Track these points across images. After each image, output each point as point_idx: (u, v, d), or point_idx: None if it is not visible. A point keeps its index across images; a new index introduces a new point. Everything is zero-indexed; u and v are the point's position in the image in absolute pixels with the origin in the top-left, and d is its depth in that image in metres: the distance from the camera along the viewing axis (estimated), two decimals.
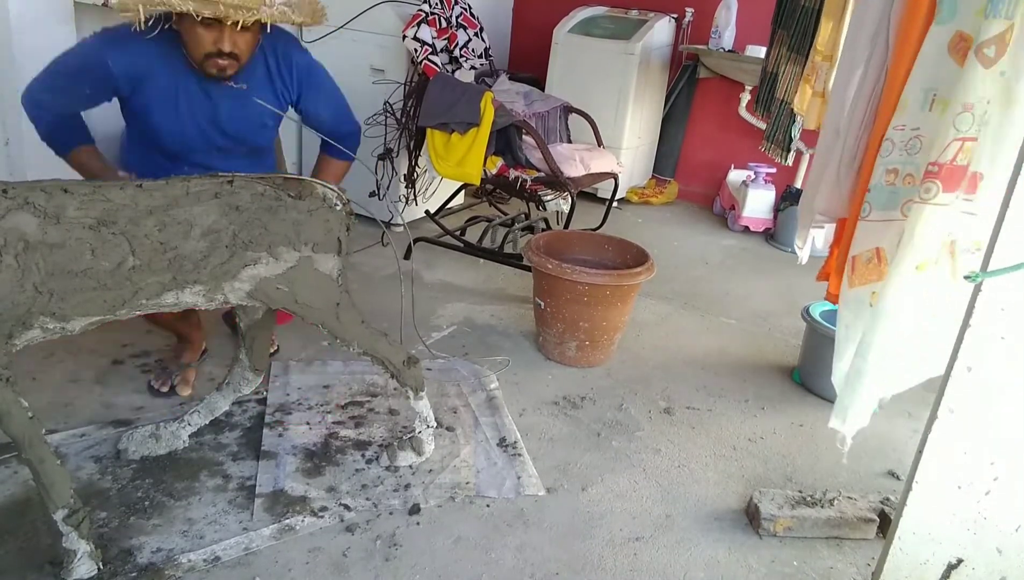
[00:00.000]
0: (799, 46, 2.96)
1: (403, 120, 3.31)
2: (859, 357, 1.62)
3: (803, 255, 2.24)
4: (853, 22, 1.99)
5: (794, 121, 3.18)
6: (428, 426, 1.89)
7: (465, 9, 3.39)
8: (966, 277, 1.28)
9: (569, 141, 3.43)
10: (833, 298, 2.02)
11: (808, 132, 3.40)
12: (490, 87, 3.25)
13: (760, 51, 3.90)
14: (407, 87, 3.30)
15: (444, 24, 3.27)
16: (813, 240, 2.22)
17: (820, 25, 2.60)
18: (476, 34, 3.44)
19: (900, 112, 1.58)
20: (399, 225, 3.60)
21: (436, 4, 3.24)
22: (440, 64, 3.15)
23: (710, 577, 1.67)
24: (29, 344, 1.37)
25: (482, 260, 3.26)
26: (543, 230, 3.20)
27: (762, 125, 4.15)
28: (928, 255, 1.49)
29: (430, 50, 3.13)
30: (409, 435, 1.91)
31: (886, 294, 1.54)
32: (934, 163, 1.45)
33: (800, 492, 1.89)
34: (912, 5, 1.66)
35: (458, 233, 3.26)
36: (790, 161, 3.45)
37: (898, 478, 2.08)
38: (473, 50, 3.42)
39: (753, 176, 4.11)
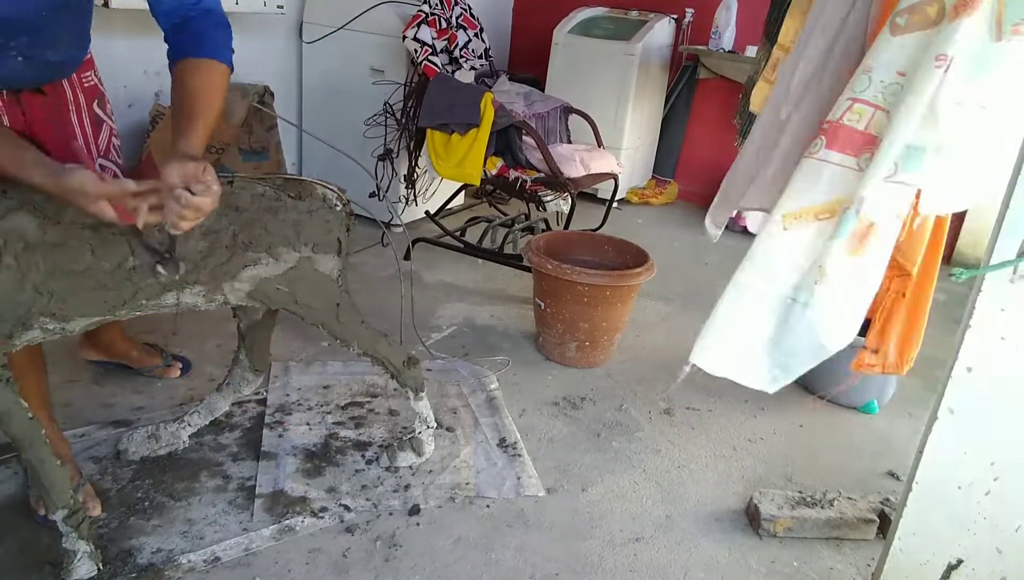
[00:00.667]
0: (771, 38, 2.96)
1: (403, 121, 3.31)
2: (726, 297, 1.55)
3: (715, 234, 2.12)
4: (812, 14, 1.91)
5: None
6: (428, 426, 1.89)
7: (465, 10, 3.39)
8: (950, 275, 1.28)
9: (569, 141, 3.43)
10: None
11: None
12: (490, 88, 3.26)
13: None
14: (407, 88, 3.30)
15: (444, 25, 3.27)
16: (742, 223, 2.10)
17: (785, 20, 2.58)
18: (476, 35, 3.44)
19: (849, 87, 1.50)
20: (399, 226, 3.60)
21: (436, 5, 3.24)
22: (440, 65, 3.15)
23: (710, 578, 1.67)
24: (29, 344, 1.37)
25: (482, 261, 3.26)
26: (543, 231, 3.20)
27: None
28: (795, 208, 1.40)
29: (430, 51, 3.13)
30: (409, 435, 1.91)
31: (757, 242, 1.45)
32: (827, 121, 1.39)
33: (800, 492, 1.89)
34: (885, 8, 1.63)
35: (458, 234, 3.26)
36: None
37: (898, 478, 2.08)
38: (473, 51, 3.42)
39: None
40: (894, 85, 1.32)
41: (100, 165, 1.73)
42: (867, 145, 1.35)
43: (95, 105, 1.71)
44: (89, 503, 1.64)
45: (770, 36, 3.05)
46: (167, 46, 1.42)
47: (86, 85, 1.70)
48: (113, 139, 1.77)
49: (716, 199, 2.02)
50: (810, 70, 1.76)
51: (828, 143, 1.37)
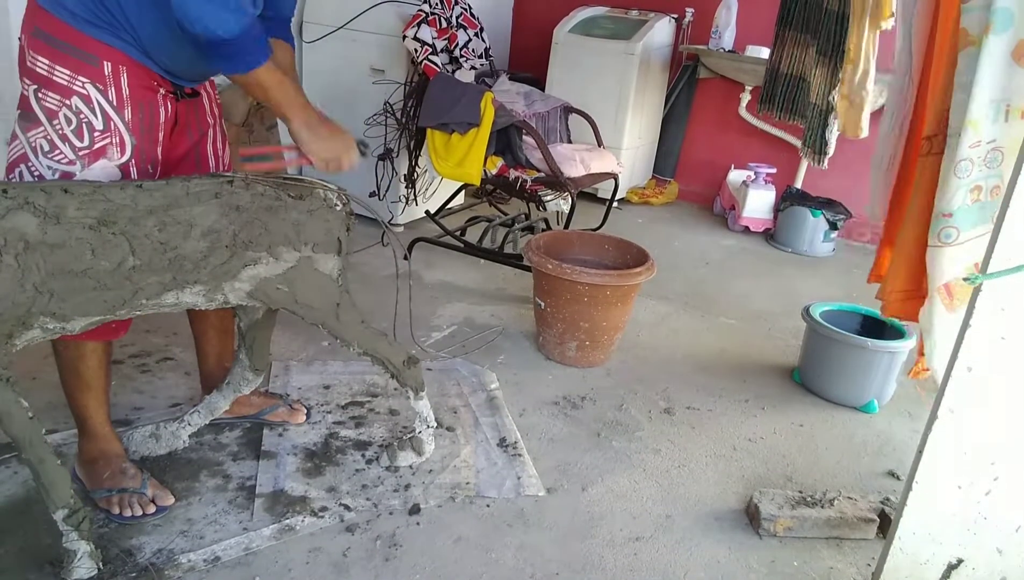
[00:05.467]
0: (825, 49, 2.97)
1: (403, 120, 3.31)
2: None
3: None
4: (900, 32, 2.03)
5: (827, 125, 3.17)
6: (428, 426, 1.89)
7: (465, 9, 3.39)
8: (965, 279, 1.28)
9: (569, 141, 3.43)
10: (893, 312, 1.97)
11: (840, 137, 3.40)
12: (490, 87, 3.25)
13: (760, 51, 3.90)
14: (407, 87, 3.30)
15: (444, 24, 3.27)
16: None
17: (850, 29, 2.60)
18: (476, 34, 3.44)
19: (974, 129, 1.55)
20: (399, 225, 3.61)
21: (436, 4, 3.24)
22: (440, 64, 3.15)
23: (710, 577, 1.67)
24: (29, 344, 1.37)
25: (482, 260, 3.25)
26: (543, 230, 3.20)
27: (763, 125, 4.16)
28: None
29: (430, 50, 3.13)
30: (409, 435, 1.91)
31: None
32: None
33: (800, 492, 1.89)
34: (926, 15, 1.66)
35: (458, 233, 3.26)
36: (826, 165, 3.44)
37: (898, 478, 2.08)
38: (473, 50, 3.42)
39: (753, 176, 4.11)
40: None
41: None
42: None
43: (222, 119, 1.78)
44: (159, 494, 1.68)
45: (816, 38, 3.07)
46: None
47: (216, 100, 1.77)
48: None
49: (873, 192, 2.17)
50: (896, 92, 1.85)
51: None
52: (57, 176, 1.45)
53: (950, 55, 1.58)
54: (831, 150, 3.28)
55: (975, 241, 1.59)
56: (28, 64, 1.44)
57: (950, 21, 1.61)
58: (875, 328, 2.44)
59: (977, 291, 1.26)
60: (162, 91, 1.56)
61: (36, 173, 1.46)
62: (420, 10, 3.16)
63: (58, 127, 1.44)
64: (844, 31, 2.66)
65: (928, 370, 1.76)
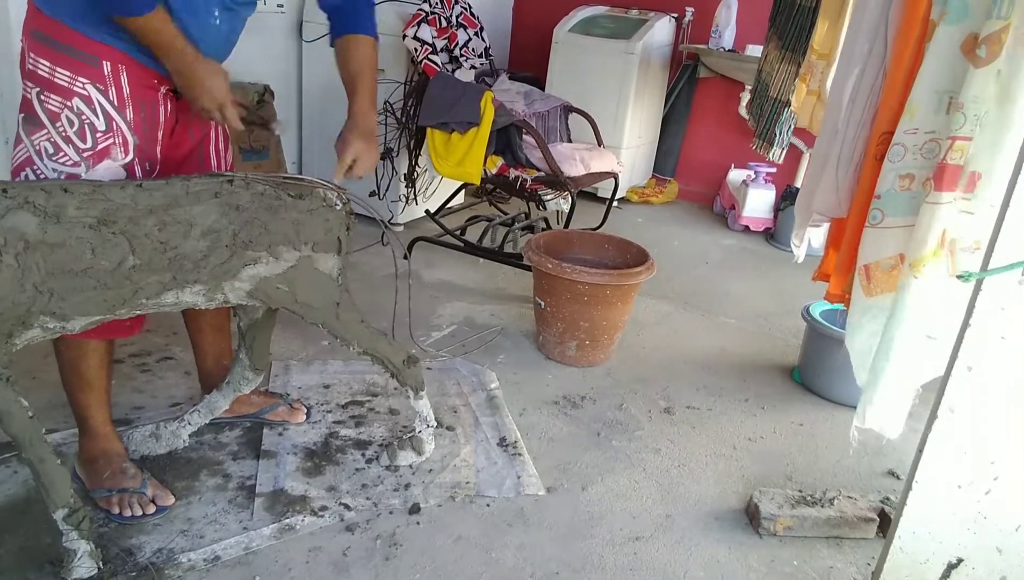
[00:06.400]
0: (794, 45, 2.96)
1: (403, 120, 3.31)
2: (880, 356, 1.61)
3: (799, 253, 2.23)
4: (853, 20, 1.99)
5: (783, 118, 3.17)
6: (428, 426, 1.89)
7: (465, 8, 3.39)
8: (959, 276, 1.28)
9: (569, 141, 3.43)
10: (834, 298, 2.02)
11: (802, 131, 3.41)
12: (490, 86, 3.25)
13: (760, 50, 3.90)
14: (407, 87, 3.30)
15: (444, 23, 3.27)
16: (810, 239, 2.22)
17: (816, 24, 2.59)
18: (476, 33, 3.44)
19: (910, 116, 1.55)
20: (398, 225, 3.61)
21: (436, 3, 3.24)
22: (440, 63, 3.15)
23: (710, 576, 1.67)
24: (29, 343, 1.37)
25: (482, 260, 3.26)
26: (543, 230, 3.20)
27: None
28: (922, 253, 1.48)
29: (430, 49, 3.13)
30: (409, 434, 1.91)
31: (898, 296, 1.54)
32: (936, 163, 1.46)
33: (800, 491, 1.89)
34: (911, 4, 1.66)
35: (458, 233, 3.26)
36: (781, 158, 3.44)
37: (898, 478, 2.08)
38: (473, 49, 3.42)
39: (753, 176, 4.11)
40: (986, 115, 1.39)
41: None
42: (974, 177, 1.43)
43: None
44: (159, 494, 1.67)
45: (782, 37, 3.07)
46: (329, 24, 1.80)
47: None
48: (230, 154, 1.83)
49: (796, 220, 2.15)
50: (858, 78, 1.82)
51: (936, 185, 1.45)
52: (62, 179, 1.45)
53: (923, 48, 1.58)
54: (786, 142, 3.27)
55: (901, 230, 1.58)
56: (29, 67, 1.44)
57: (922, 15, 1.61)
58: None
59: (977, 290, 1.26)
60: (163, 89, 1.55)
61: (41, 176, 1.46)
62: (420, 9, 3.16)
63: (61, 129, 1.44)
64: (813, 25, 2.65)
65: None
